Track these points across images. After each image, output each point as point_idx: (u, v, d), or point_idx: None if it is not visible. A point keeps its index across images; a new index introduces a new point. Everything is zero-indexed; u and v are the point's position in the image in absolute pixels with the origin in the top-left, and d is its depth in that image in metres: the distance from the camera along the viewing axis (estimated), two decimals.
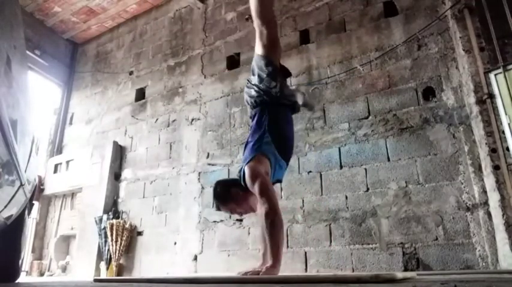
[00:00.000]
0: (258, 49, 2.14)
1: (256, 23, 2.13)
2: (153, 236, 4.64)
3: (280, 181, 2.26)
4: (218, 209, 2.18)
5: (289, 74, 2.29)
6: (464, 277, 1.74)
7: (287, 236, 3.64)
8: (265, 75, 2.09)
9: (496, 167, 2.74)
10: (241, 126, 4.38)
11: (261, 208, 1.92)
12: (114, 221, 4.75)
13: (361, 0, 4.00)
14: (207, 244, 4.14)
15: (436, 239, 2.97)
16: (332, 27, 4.12)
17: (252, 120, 2.22)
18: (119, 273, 4.63)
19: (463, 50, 3.13)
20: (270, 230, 1.81)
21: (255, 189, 1.94)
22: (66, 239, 5.59)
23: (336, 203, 3.49)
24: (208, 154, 4.54)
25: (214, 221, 4.16)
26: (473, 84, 3.00)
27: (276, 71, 2.12)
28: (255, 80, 2.12)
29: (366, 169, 3.43)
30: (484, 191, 2.84)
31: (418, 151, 3.25)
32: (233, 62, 4.82)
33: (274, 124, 2.10)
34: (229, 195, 2.11)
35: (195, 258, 4.17)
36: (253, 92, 2.15)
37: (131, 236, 4.78)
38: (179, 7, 5.76)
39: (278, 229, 1.82)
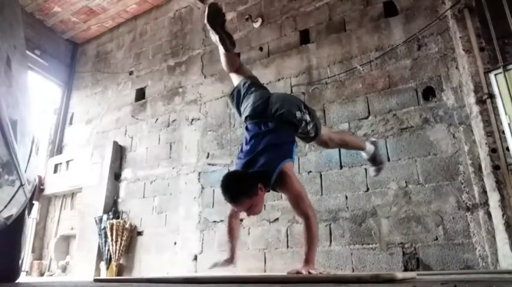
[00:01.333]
0: (318, 135, 2.39)
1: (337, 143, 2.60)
2: (153, 236, 4.64)
3: None
4: (234, 201, 1.95)
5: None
6: (464, 277, 1.75)
7: (287, 236, 3.64)
8: (309, 127, 2.31)
9: (496, 167, 2.74)
10: (241, 126, 4.36)
11: (301, 217, 2.03)
12: (114, 221, 4.75)
13: (361, 0, 4.00)
14: (207, 244, 4.14)
15: (436, 239, 2.97)
16: (332, 27, 4.12)
17: (271, 129, 2.19)
18: (119, 273, 4.63)
19: (463, 50, 3.12)
20: (313, 238, 1.95)
21: (298, 199, 2.01)
22: (66, 239, 5.59)
23: (336, 203, 3.49)
24: (208, 154, 4.54)
25: (214, 221, 4.16)
26: (473, 84, 2.99)
27: (312, 137, 2.42)
28: (306, 117, 2.29)
29: (365, 169, 3.43)
30: (484, 191, 2.83)
31: (418, 151, 3.25)
32: None
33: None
34: (256, 190, 1.94)
35: (195, 258, 4.17)
36: (298, 114, 2.24)
37: (131, 236, 4.78)
38: (179, 7, 5.76)
39: (317, 238, 2.04)
